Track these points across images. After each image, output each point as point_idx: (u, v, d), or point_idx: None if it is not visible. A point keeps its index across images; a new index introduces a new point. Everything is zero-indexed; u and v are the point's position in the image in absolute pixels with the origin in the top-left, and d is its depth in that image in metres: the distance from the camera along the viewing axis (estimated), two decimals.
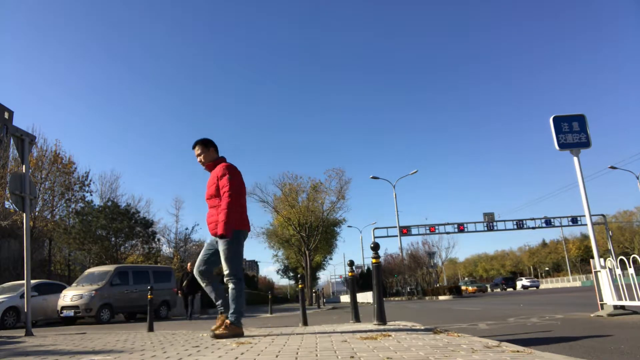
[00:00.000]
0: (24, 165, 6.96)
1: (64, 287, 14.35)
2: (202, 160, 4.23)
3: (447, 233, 43.90)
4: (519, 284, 52.50)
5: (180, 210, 46.50)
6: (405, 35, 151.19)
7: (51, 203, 23.59)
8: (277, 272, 61.93)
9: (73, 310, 12.85)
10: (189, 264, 14.57)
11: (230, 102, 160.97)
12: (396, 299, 37.57)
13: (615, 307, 6.10)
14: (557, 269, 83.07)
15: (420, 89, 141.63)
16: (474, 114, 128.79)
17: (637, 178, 36.77)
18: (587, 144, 7.17)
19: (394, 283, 49.01)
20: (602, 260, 6.51)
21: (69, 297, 13.08)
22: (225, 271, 3.88)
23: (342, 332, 4.10)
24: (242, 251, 4.08)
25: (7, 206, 23.45)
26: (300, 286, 7.63)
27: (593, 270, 6.55)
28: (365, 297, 35.06)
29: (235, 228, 3.87)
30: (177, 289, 14.55)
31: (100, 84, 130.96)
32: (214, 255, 4.03)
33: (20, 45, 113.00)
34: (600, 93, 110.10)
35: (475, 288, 42.42)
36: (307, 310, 7.81)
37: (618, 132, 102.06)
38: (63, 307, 12.98)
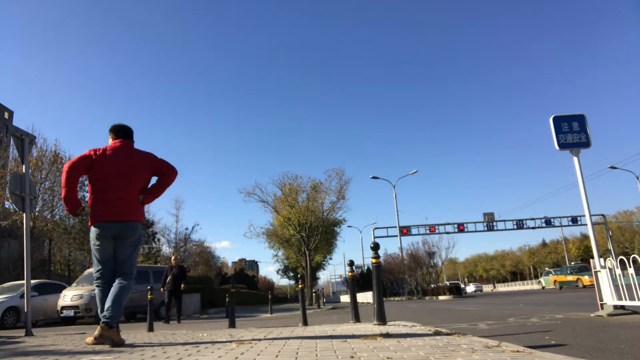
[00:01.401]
0: (24, 165, 6.95)
1: (64, 287, 14.35)
2: None
3: (447, 233, 43.85)
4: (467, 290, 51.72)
5: (180, 210, 46.50)
6: (405, 34, 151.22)
7: (51, 203, 23.60)
8: (277, 272, 62.01)
9: (73, 310, 12.85)
10: (173, 257, 12.93)
11: (230, 101, 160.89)
12: (396, 298, 37.57)
13: (615, 307, 6.10)
14: (557, 269, 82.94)
15: (420, 89, 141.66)
16: (474, 113, 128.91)
17: (637, 178, 36.76)
18: (587, 144, 7.17)
19: (394, 282, 48.95)
20: (602, 260, 6.50)
21: (69, 297, 13.08)
22: None
23: (342, 332, 4.10)
24: (96, 250, 3.64)
25: (7, 206, 23.45)
26: (300, 286, 7.63)
27: (593, 270, 6.55)
28: (365, 297, 35.05)
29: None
30: (162, 286, 12.19)
31: (100, 84, 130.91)
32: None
33: (20, 45, 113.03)
34: (600, 93, 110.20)
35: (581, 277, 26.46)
36: (307, 310, 7.81)
37: (618, 132, 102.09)
38: (63, 307, 12.98)
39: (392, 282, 46.56)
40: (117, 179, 3.66)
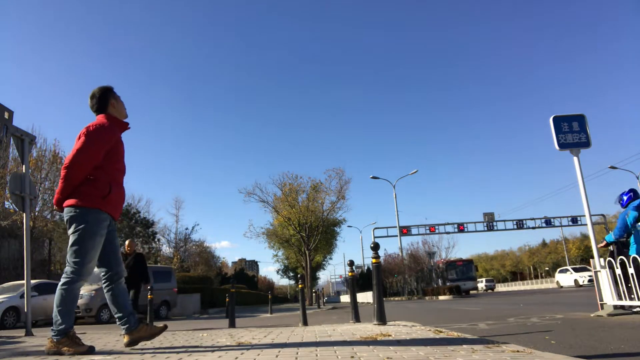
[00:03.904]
0: (24, 165, 6.95)
1: None
2: None
3: (447, 233, 43.93)
4: None
5: (180, 210, 46.48)
6: (405, 35, 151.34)
7: (51, 203, 23.60)
8: (277, 272, 62.15)
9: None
10: (127, 243, 9.49)
11: (230, 101, 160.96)
12: (396, 298, 37.58)
13: (615, 307, 6.10)
14: (557, 269, 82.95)
15: (420, 89, 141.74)
16: (474, 113, 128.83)
17: (637, 178, 36.76)
18: (587, 144, 7.17)
19: (394, 283, 48.95)
20: (602, 260, 6.50)
21: None
22: None
23: (342, 332, 4.10)
24: None
25: (7, 206, 23.47)
26: (300, 286, 7.63)
27: (593, 270, 6.55)
28: (365, 297, 35.06)
29: None
30: None
31: (99, 83, 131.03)
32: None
33: (20, 45, 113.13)
34: (600, 92, 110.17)
35: None
36: (307, 310, 7.82)
37: (618, 131, 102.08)
38: None
39: (391, 283, 46.52)
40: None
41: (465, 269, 36.40)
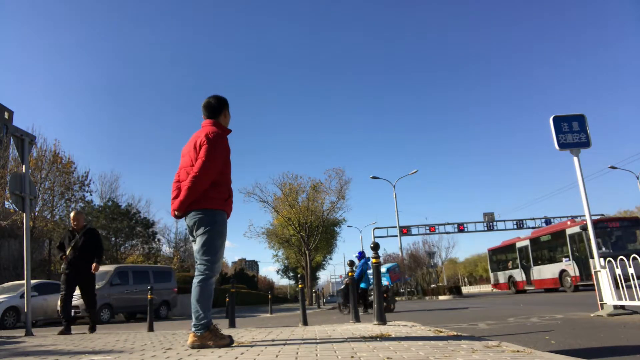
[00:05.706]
0: (24, 165, 6.95)
1: None
2: None
3: (447, 233, 43.87)
4: None
5: None
6: (405, 35, 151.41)
7: (51, 203, 23.59)
8: (277, 272, 62.06)
9: (73, 310, 12.82)
10: (72, 215, 6.91)
11: (230, 101, 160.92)
12: (396, 298, 37.55)
13: (615, 307, 6.10)
14: None
15: (420, 89, 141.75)
16: (474, 113, 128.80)
17: (637, 178, 36.73)
18: (587, 144, 7.17)
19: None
20: (602, 260, 6.50)
21: None
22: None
23: (342, 332, 4.10)
24: None
25: (7, 206, 23.46)
26: (300, 286, 7.64)
27: (593, 270, 6.55)
28: None
29: None
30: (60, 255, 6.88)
31: (99, 84, 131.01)
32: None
33: (20, 45, 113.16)
34: (600, 92, 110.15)
35: None
36: (307, 310, 7.83)
37: (618, 132, 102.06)
38: None
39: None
40: (182, 168, 3.44)
41: (628, 234, 19.48)
